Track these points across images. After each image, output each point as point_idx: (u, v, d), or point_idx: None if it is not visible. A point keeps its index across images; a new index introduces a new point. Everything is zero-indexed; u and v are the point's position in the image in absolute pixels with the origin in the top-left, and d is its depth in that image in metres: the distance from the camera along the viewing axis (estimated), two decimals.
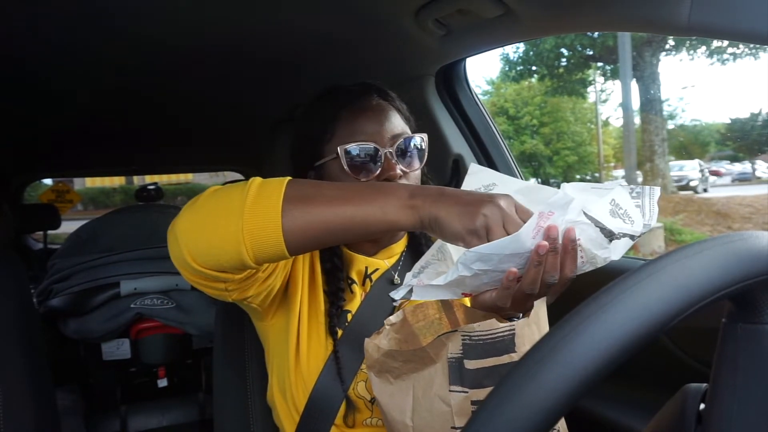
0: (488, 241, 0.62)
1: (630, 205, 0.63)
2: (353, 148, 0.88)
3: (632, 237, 0.62)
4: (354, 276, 0.97)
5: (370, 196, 0.69)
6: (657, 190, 0.64)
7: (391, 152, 0.89)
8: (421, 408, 0.70)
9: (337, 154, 0.89)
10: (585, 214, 0.60)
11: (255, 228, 0.67)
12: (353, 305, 0.95)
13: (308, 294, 0.93)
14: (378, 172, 0.89)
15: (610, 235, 0.61)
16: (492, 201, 0.64)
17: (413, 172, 0.92)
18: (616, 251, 0.62)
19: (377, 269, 0.98)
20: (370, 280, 0.97)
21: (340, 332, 0.92)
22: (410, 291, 0.67)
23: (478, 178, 0.75)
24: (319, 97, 0.98)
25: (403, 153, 0.91)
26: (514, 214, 0.64)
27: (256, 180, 0.71)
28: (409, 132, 0.94)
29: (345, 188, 0.72)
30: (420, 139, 0.93)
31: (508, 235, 0.61)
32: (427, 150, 0.94)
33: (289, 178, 0.72)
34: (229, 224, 0.67)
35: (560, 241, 0.61)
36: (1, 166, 2.70)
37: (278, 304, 0.93)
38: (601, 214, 0.61)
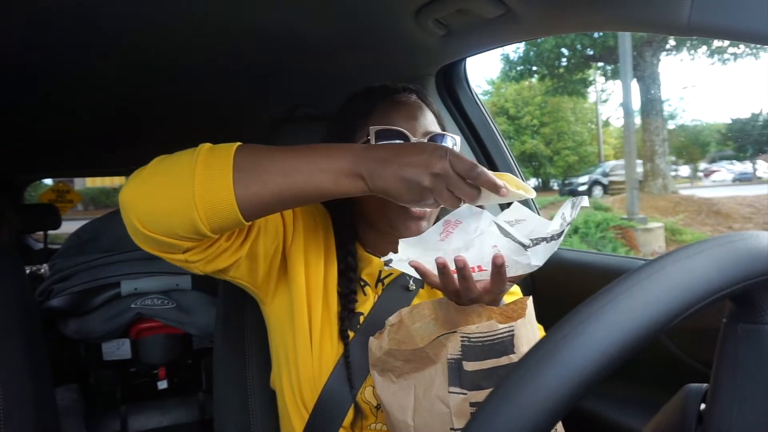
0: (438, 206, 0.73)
1: (569, 214, 0.67)
2: (385, 132, 0.87)
3: (547, 240, 0.66)
4: (366, 278, 0.96)
5: (320, 162, 0.71)
6: (585, 200, 0.69)
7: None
8: (421, 408, 0.70)
9: (368, 136, 0.87)
10: (496, 224, 0.65)
11: (207, 194, 0.66)
12: (366, 307, 0.93)
13: (322, 294, 0.92)
14: None
15: (525, 246, 0.66)
16: (429, 168, 0.67)
17: None
18: (536, 257, 0.66)
19: (391, 273, 0.96)
20: (383, 284, 0.96)
21: (352, 334, 0.90)
22: (391, 260, 0.71)
23: (514, 213, 0.75)
24: (359, 92, 0.99)
25: None
26: (452, 173, 0.67)
27: (205, 146, 0.71)
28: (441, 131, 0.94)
29: (295, 155, 0.72)
30: (452, 140, 0.92)
31: (457, 198, 0.68)
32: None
33: (238, 144, 0.72)
34: (180, 190, 0.66)
35: (479, 274, 0.69)
36: (2, 166, 2.70)
37: (275, 286, 0.92)
38: (555, 227, 0.66)
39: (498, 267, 0.67)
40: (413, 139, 0.87)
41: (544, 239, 0.65)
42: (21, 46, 1.20)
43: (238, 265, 0.83)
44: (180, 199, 0.67)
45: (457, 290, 0.71)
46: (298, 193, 0.71)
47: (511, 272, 0.68)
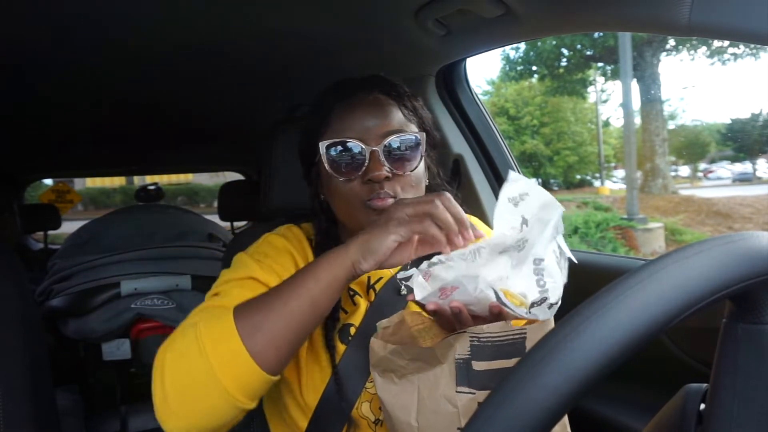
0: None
1: (563, 271, 0.68)
2: (334, 145, 0.83)
3: (549, 306, 0.66)
4: (356, 287, 0.91)
5: (316, 285, 0.69)
6: (568, 252, 0.70)
7: (377, 151, 0.81)
8: (426, 409, 0.70)
9: (321, 153, 0.83)
10: (494, 291, 0.66)
11: (236, 380, 0.66)
12: (357, 318, 0.88)
13: None
14: (362, 171, 0.82)
15: (523, 313, 0.66)
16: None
17: (405, 175, 0.84)
18: (542, 314, 0.66)
19: (381, 278, 0.92)
20: (374, 290, 0.91)
21: (343, 347, 0.85)
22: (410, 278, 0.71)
23: (515, 186, 0.72)
24: (324, 90, 0.92)
25: (392, 153, 0.83)
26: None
27: (201, 328, 0.68)
28: (408, 129, 0.85)
29: (290, 293, 0.70)
30: (415, 138, 0.84)
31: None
32: (422, 150, 0.86)
33: (232, 310, 0.70)
34: (210, 392, 0.65)
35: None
36: (5, 166, 2.70)
37: None
38: (556, 291, 0.67)
39: (495, 316, 0.68)
40: (366, 148, 0.82)
41: (544, 301, 0.66)
42: (21, 46, 1.20)
43: None
44: (215, 398, 0.66)
45: (454, 328, 0.72)
46: (309, 326, 0.72)
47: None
